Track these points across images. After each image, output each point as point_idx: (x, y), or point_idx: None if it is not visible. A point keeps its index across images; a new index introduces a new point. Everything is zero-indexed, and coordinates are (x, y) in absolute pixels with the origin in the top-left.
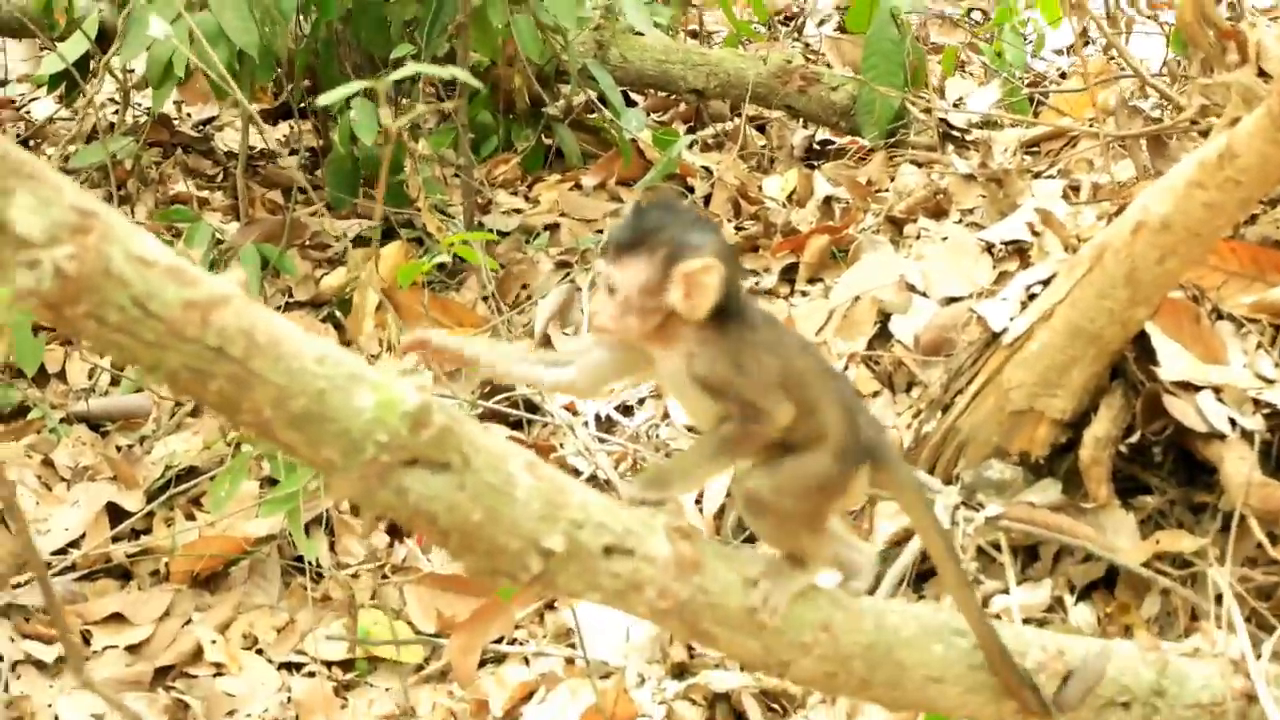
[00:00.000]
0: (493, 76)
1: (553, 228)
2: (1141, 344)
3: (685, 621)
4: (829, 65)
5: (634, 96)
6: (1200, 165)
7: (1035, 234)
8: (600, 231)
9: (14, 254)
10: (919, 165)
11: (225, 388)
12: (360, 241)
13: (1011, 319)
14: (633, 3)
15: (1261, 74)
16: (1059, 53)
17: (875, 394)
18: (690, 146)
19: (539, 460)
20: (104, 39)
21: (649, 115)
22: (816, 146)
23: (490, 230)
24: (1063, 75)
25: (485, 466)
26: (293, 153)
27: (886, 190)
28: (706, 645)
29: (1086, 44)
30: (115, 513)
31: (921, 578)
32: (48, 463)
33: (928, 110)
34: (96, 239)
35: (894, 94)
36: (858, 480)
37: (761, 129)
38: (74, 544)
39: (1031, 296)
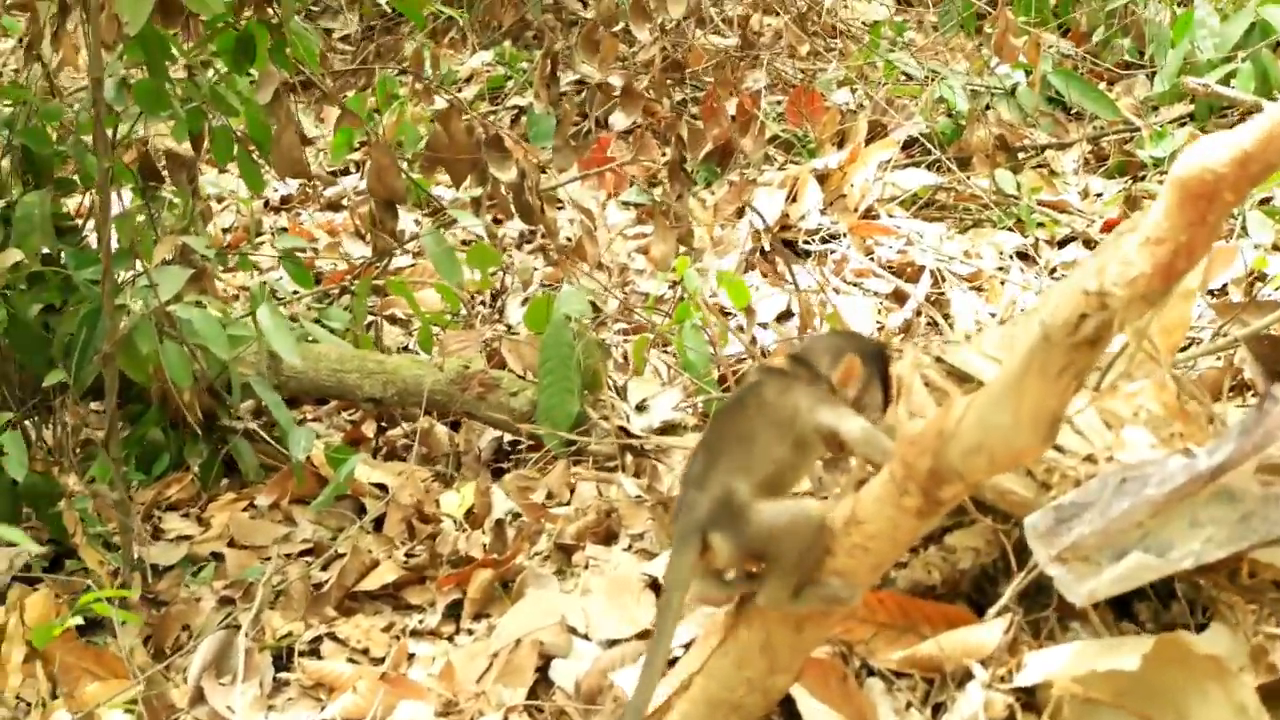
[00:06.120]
0: (160, 392)
1: (219, 556)
2: (788, 709)
3: None
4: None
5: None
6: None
7: None
8: (268, 559)
9: None
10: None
11: None
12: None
13: None
14: (273, 325)
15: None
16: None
17: None
18: (376, 454)
19: None
20: None
21: (341, 413)
22: (507, 448)
23: (152, 566)
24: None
25: None
26: None
27: (567, 503)
28: None
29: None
30: None
31: None
32: None
33: (605, 418)
34: None
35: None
36: None
37: (456, 425)
38: None
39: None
